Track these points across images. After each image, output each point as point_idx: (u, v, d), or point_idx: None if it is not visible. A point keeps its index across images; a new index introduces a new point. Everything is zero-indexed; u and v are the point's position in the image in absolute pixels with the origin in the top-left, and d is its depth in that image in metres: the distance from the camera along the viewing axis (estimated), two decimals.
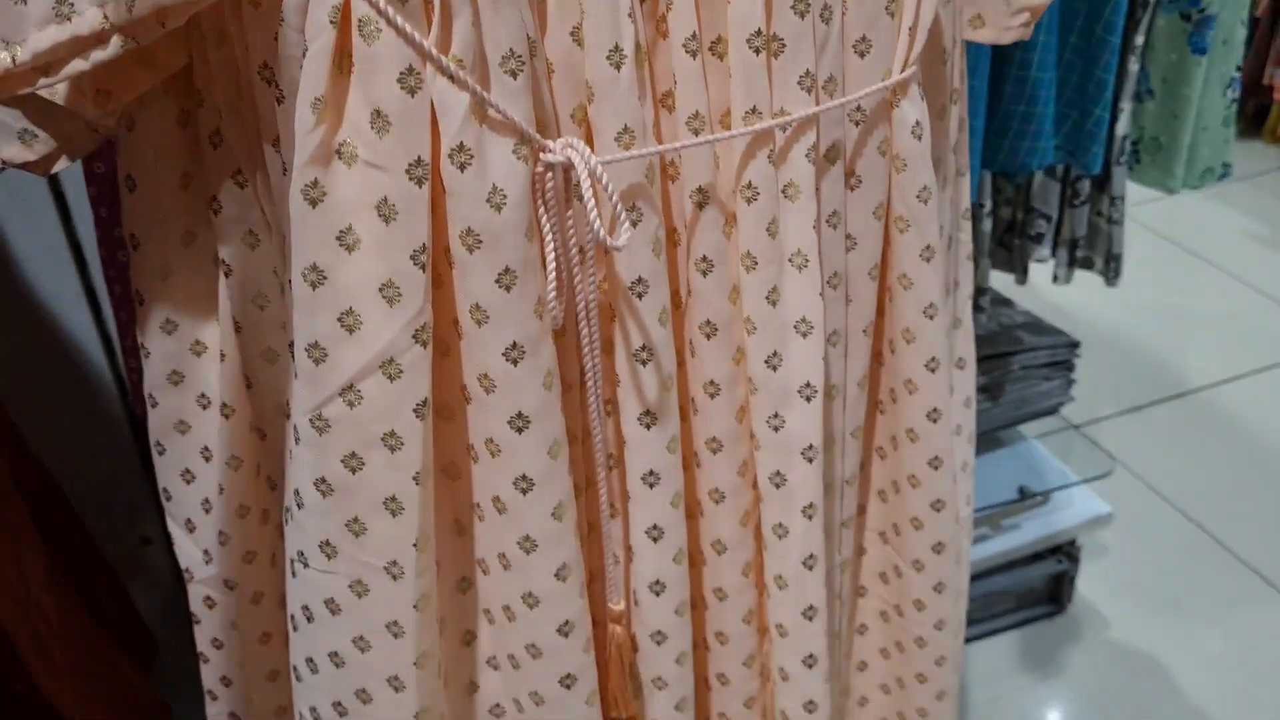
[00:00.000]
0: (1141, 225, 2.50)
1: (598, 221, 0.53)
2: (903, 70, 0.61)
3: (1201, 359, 2.07)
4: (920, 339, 0.70)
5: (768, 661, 0.75)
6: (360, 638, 0.59)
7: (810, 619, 0.71)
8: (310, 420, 0.54)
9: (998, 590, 1.51)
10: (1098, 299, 2.17)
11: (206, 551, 0.69)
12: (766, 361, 0.64)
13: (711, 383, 0.65)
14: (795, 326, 0.64)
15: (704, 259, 0.61)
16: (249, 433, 0.65)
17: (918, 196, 0.65)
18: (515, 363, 0.55)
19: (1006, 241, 1.35)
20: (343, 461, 0.55)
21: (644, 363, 0.60)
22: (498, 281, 0.53)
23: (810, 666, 0.72)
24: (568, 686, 0.64)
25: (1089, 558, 1.60)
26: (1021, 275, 1.37)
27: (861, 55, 0.60)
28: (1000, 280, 1.52)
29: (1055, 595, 1.55)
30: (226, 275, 0.60)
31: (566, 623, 0.62)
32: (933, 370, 0.70)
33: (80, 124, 0.56)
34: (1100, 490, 1.55)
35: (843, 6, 0.59)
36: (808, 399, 0.65)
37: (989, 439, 1.58)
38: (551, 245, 0.54)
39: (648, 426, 0.62)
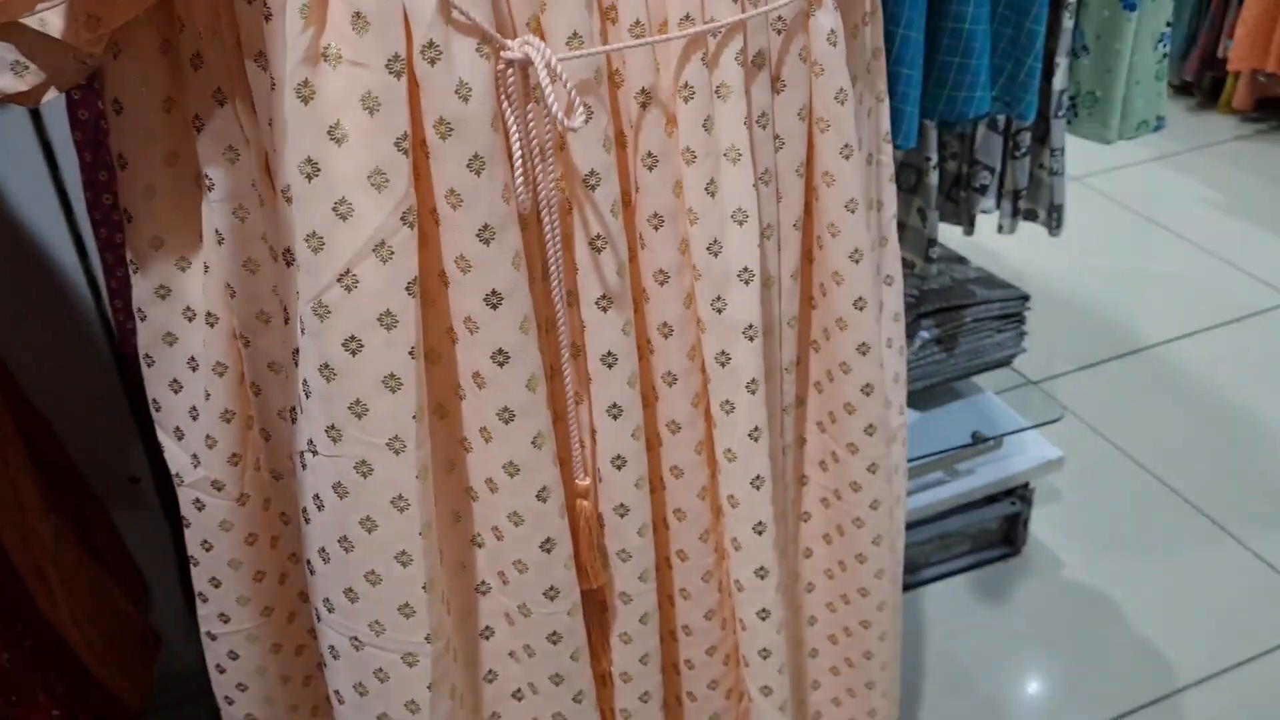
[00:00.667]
0: (1098, 192, 2.57)
1: (556, 105, 0.59)
2: None
3: (1155, 318, 2.15)
4: (844, 232, 0.77)
5: (721, 538, 0.81)
6: (367, 518, 0.65)
7: (758, 488, 0.78)
8: (313, 309, 0.61)
9: (954, 532, 1.58)
10: (1055, 263, 2.25)
11: (195, 455, 0.75)
12: (708, 248, 0.71)
13: (661, 271, 0.71)
14: (732, 216, 0.70)
15: (649, 154, 0.68)
16: (233, 340, 0.71)
17: (835, 98, 0.72)
18: (488, 243, 0.62)
19: (953, 194, 1.42)
20: (343, 345, 0.61)
21: (599, 250, 0.67)
22: (469, 166, 0.60)
23: (760, 534, 0.79)
24: (548, 550, 0.71)
25: (1042, 501, 1.67)
26: (968, 227, 1.43)
27: None
28: (957, 243, 1.59)
29: (1009, 537, 1.62)
30: (209, 190, 0.66)
31: (544, 488, 0.69)
32: (857, 262, 0.77)
33: (69, 55, 0.62)
34: (1053, 438, 1.62)
35: None
36: (746, 282, 0.72)
37: (945, 390, 1.65)
38: (516, 136, 0.61)
39: (604, 310, 0.69)
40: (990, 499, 1.57)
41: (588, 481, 0.75)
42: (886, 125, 0.83)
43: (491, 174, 0.60)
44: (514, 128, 0.61)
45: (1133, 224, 2.47)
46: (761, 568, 0.81)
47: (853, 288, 0.78)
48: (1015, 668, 1.47)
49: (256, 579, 0.81)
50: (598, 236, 0.67)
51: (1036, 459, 1.58)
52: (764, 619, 0.83)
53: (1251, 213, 2.49)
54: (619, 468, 0.73)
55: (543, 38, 0.61)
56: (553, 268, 0.66)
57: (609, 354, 0.70)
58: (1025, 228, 1.42)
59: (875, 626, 0.93)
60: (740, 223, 0.71)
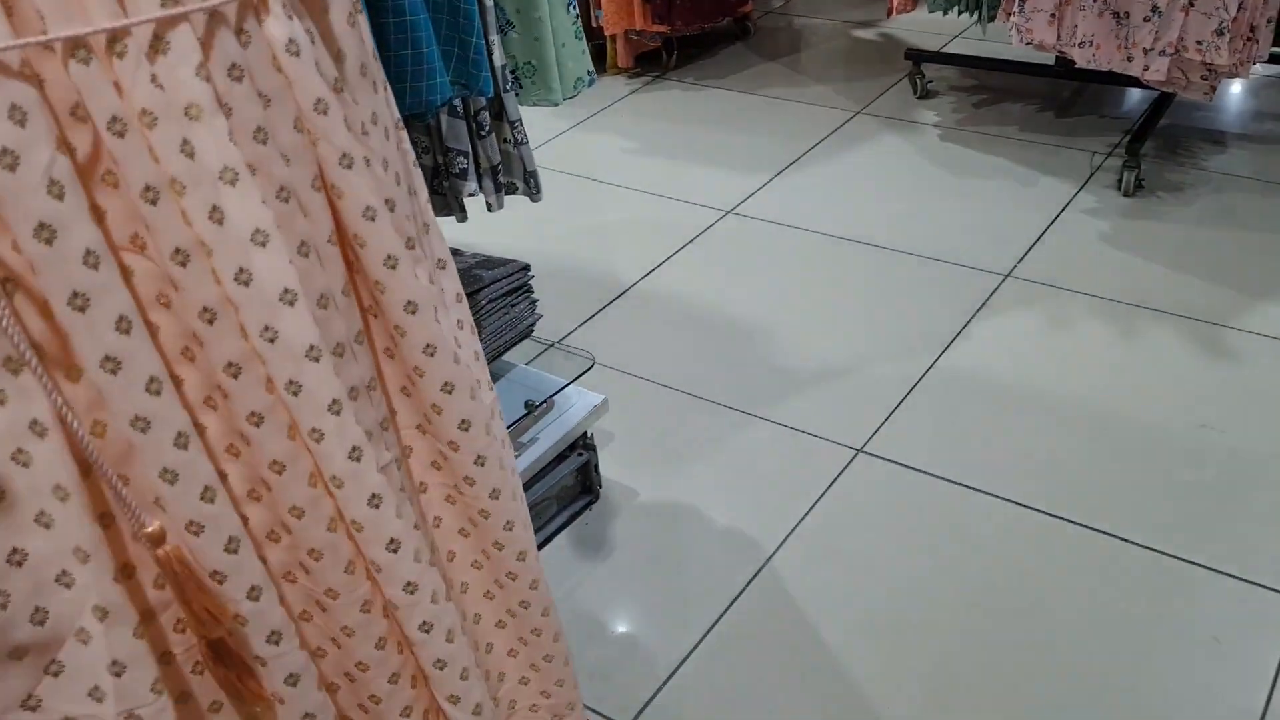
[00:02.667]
0: (542, 166, 2.76)
1: None
2: None
3: (627, 260, 2.36)
4: (370, 243, 0.74)
5: (365, 562, 0.78)
6: None
7: (377, 507, 0.75)
8: None
9: (541, 499, 1.64)
10: (526, 239, 2.38)
11: None
12: (236, 278, 0.66)
13: (206, 309, 0.66)
14: (252, 239, 0.66)
15: (148, 189, 0.62)
16: None
17: (315, 109, 0.69)
18: None
19: (438, 187, 1.46)
20: None
21: (81, 311, 0.61)
22: None
23: (395, 551, 0.77)
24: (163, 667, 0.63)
25: (601, 444, 1.79)
26: (461, 213, 1.48)
27: None
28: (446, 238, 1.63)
29: (587, 485, 1.72)
30: None
31: (137, 624, 0.62)
32: (393, 268, 0.75)
33: None
34: (589, 386, 1.73)
35: None
36: (291, 304, 0.68)
37: None
38: None
39: (114, 373, 0.63)
40: (560, 457, 1.65)
41: (155, 525, 0.67)
42: (397, 113, 0.83)
43: None
44: None
45: (578, 186, 2.68)
46: (408, 583, 0.79)
47: (397, 293, 0.77)
48: (634, 599, 1.56)
49: None
50: (75, 293, 0.60)
51: (586, 408, 1.68)
52: (428, 631, 0.82)
53: (665, 151, 2.81)
54: (196, 534, 0.68)
55: None
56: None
57: (138, 419, 0.64)
58: (504, 204, 1.49)
59: (535, 604, 0.95)
60: (263, 244, 0.66)
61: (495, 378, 1.72)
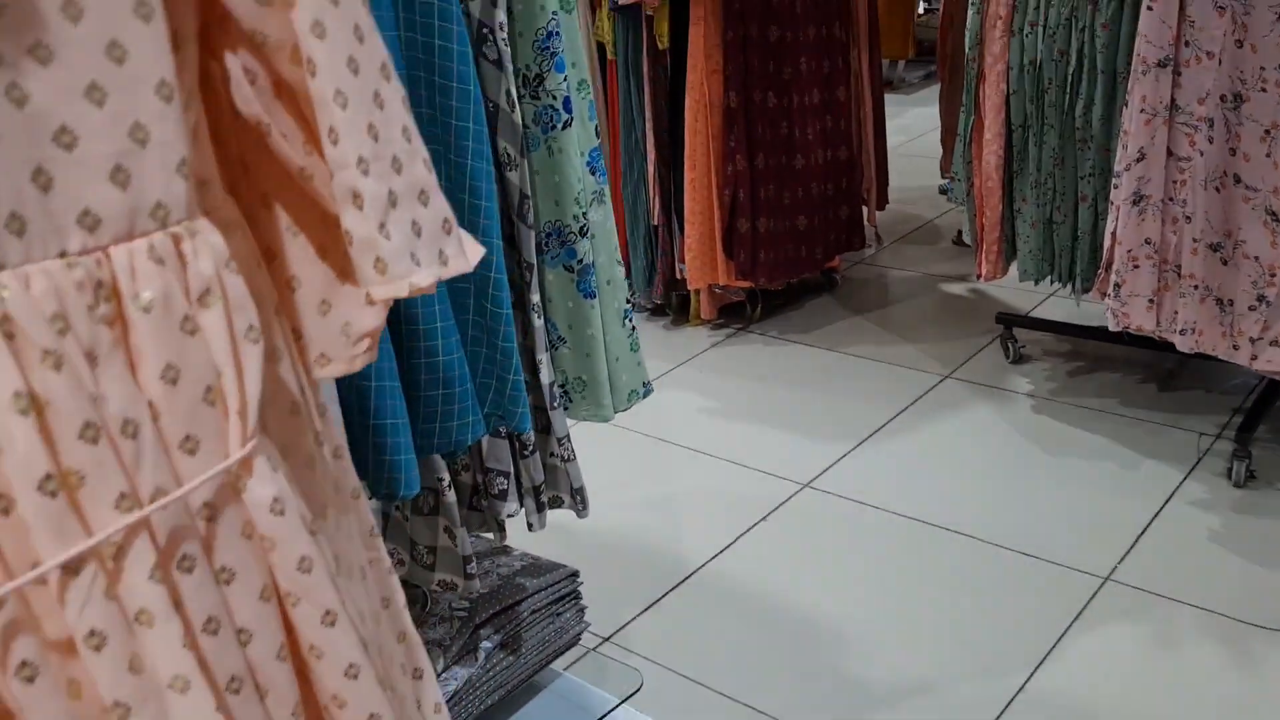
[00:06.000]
0: (613, 424, 2.69)
1: None
2: (241, 449, 0.60)
3: (693, 539, 2.24)
4: (351, 702, 0.67)
5: None
6: None
7: None
8: None
9: None
10: (595, 507, 2.28)
11: None
12: None
13: None
14: None
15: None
16: None
17: (299, 569, 0.64)
18: None
19: (476, 504, 1.38)
20: None
21: None
22: None
23: None
24: None
25: None
26: (500, 533, 1.39)
27: (192, 454, 0.58)
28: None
29: None
30: None
31: None
32: None
33: None
34: (639, 698, 1.59)
35: (151, 414, 0.56)
36: None
37: (525, 689, 1.58)
38: None
39: None
40: None
41: None
42: (371, 520, 0.75)
43: None
44: None
45: (649, 448, 2.60)
46: None
47: None
48: None
49: None
50: None
51: None
52: None
53: (743, 412, 2.72)
54: None
55: None
56: None
57: None
58: (545, 524, 1.41)
59: None
60: None
61: (536, 689, 1.60)
